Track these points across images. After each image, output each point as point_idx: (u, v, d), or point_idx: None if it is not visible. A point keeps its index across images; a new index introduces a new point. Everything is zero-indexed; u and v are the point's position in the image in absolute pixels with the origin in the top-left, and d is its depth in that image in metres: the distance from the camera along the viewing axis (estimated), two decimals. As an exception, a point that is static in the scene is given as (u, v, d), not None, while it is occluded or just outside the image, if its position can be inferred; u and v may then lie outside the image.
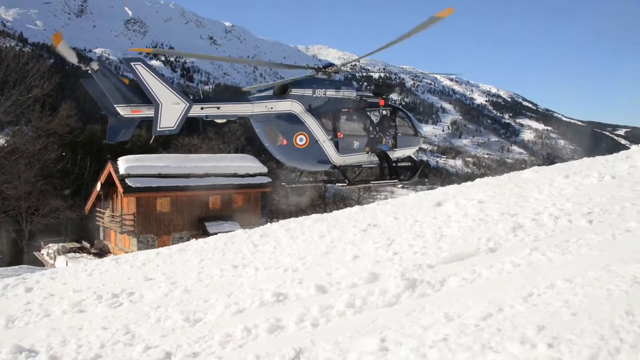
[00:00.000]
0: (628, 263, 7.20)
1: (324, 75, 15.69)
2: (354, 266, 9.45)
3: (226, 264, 11.54)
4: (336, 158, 15.33)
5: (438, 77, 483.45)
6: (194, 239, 16.91)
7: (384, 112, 16.69)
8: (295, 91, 14.75)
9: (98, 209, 54.20)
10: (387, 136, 16.33)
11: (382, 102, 16.51)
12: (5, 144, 46.27)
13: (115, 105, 12.29)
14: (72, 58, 12.47)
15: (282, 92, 14.70)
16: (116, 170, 47.88)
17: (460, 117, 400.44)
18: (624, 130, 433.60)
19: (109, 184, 50.56)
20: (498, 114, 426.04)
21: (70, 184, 57.35)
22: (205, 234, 49.51)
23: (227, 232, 48.22)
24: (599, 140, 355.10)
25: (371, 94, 16.54)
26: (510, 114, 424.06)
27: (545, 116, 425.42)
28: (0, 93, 41.54)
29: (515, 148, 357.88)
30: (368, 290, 7.78)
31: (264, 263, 10.96)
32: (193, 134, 77.18)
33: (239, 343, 6.79)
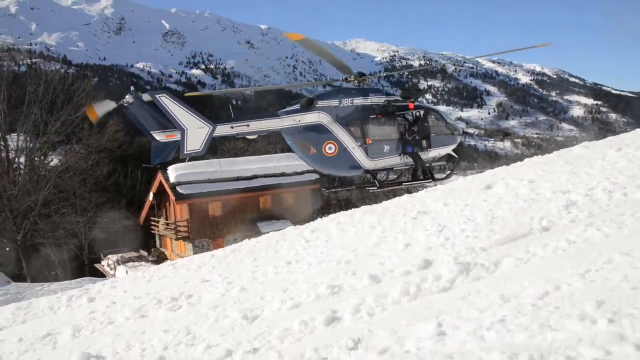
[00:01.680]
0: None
1: (355, 84, 16.02)
2: (406, 254, 9.43)
3: (279, 261, 11.67)
4: (367, 163, 15.67)
5: (480, 60, 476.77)
6: (247, 240, 17.15)
7: (415, 115, 16.89)
8: (321, 103, 15.18)
9: (152, 218, 55.30)
10: (419, 137, 16.50)
11: (411, 106, 16.74)
12: (59, 163, 47.57)
13: (151, 132, 13.10)
14: (111, 105, 13.08)
15: (308, 105, 15.13)
16: (167, 179, 48.72)
17: (506, 99, 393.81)
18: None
19: (161, 193, 51.48)
20: (544, 92, 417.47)
21: (124, 196, 58.60)
22: (258, 234, 49.95)
23: (280, 230, 48.88)
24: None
25: (400, 98, 16.76)
26: (557, 91, 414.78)
27: (593, 90, 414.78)
28: (49, 115, 42.73)
29: (564, 125, 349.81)
30: (422, 277, 7.76)
31: (317, 257, 11.03)
32: (239, 138, 77.84)
33: (297, 337, 6.86)
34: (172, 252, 52.70)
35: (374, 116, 15.96)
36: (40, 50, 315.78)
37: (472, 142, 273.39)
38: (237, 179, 50.46)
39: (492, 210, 10.93)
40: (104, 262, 52.48)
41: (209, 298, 9.89)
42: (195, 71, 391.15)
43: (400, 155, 16.29)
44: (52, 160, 47.15)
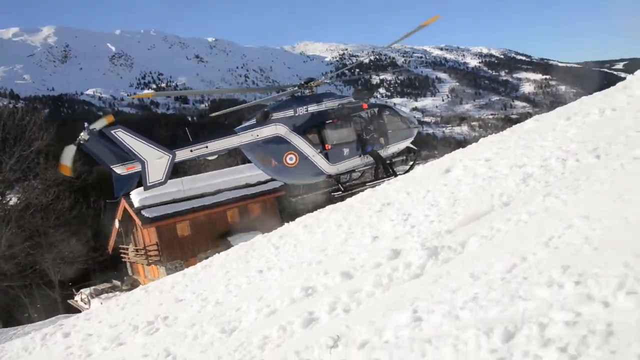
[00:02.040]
0: (641, 190, 7.21)
1: (307, 91, 16.11)
2: (375, 247, 9.52)
3: (251, 270, 11.67)
4: (329, 168, 15.96)
5: (427, 48, 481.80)
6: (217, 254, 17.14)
7: (370, 114, 17.06)
8: (276, 115, 15.61)
9: (121, 245, 54.65)
10: (377, 136, 16.67)
11: (365, 106, 16.97)
12: (18, 201, 46.64)
13: (110, 166, 13.43)
14: (72, 150, 13.54)
15: (264, 118, 15.23)
16: (131, 204, 48.28)
17: (457, 84, 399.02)
18: (622, 63, 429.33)
19: (127, 219, 50.98)
20: (494, 73, 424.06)
21: (89, 227, 57.76)
22: (229, 248, 49.80)
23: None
24: (599, 78, 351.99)
25: (353, 100, 16.92)
26: (506, 71, 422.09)
27: (541, 65, 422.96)
28: (2, 152, 41.86)
29: (518, 103, 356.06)
30: (392, 267, 7.85)
31: (288, 262, 11.07)
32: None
33: (276, 343, 6.88)
34: (145, 278, 52.16)
35: (330, 121, 16.14)
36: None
37: (431, 131, 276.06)
38: (202, 195, 50.34)
39: (453, 193, 11.09)
40: (77, 297, 51.72)
41: (185, 317, 9.84)
42: (148, 91, 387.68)
43: (360, 156, 16.50)
44: (10, 200, 46.17)
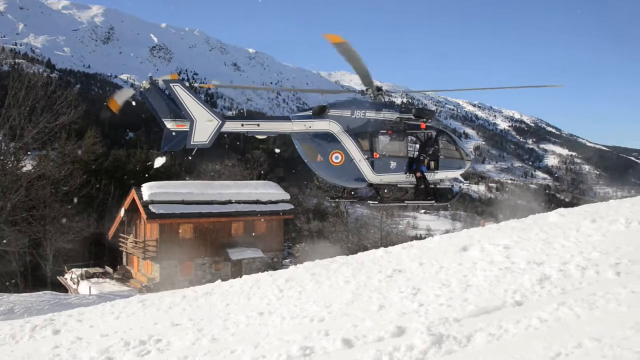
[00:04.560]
0: (657, 322, 7.11)
1: (368, 97, 16.22)
2: (380, 317, 9.43)
3: (252, 310, 11.57)
4: (372, 177, 15.89)
5: (461, 102, 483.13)
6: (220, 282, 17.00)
7: (426, 135, 17.10)
8: (333, 112, 15.50)
9: (121, 234, 54.68)
10: (428, 158, 16.66)
11: (423, 125, 16.97)
12: (32, 170, 46.86)
13: (162, 119, 13.78)
14: (130, 92, 14.44)
15: (321, 112, 15.44)
16: (140, 197, 48.38)
17: (484, 143, 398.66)
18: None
19: (133, 210, 51.02)
20: (521, 140, 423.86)
21: (95, 210, 57.89)
22: (227, 260, 49.81)
23: (249, 258, 48.54)
24: (625, 165, 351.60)
25: (413, 117, 16.94)
26: (534, 139, 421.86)
27: (569, 141, 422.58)
28: (28, 120, 42.12)
29: (539, 173, 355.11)
30: (394, 346, 7.76)
31: (290, 311, 10.97)
32: (216, 161, 77.90)
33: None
34: (138, 272, 52.13)
35: (385, 131, 16.16)
36: (25, 52, 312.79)
37: (448, 184, 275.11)
38: (211, 202, 50.37)
39: (466, 276, 10.99)
40: (67, 276, 51.63)
41: (178, 345, 9.73)
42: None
43: (406, 173, 16.47)
44: (24, 166, 46.28)
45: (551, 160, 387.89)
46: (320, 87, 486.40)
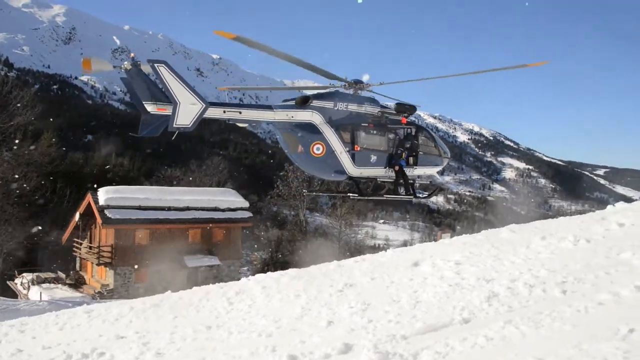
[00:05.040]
0: (600, 341, 7.19)
1: (350, 90, 16.20)
2: (328, 333, 9.36)
3: (200, 323, 11.39)
4: (352, 169, 15.92)
5: (422, 114, 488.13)
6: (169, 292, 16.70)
7: (406, 130, 17.18)
8: (316, 103, 15.60)
9: (76, 239, 53.61)
10: (407, 153, 16.73)
11: (404, 120, 17.08)
12: (-16, 171, 45.68)
13: (142, 102, 13.51)
14: (108, 66, 14.01)
15: (303, 102, 15.51)
16: (96, 201, 47.58)
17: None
18: (603, 170, 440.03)
19: (88, 215, 50.14)
20: (480, 152, 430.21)
21: (48, 213, 56.72)
22: (184, 267, 49.23)
23: (206, 266, 48.06)
24: (579, 180, 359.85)
25: (394, 112, 17.00)
26: (492, 152, 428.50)
27: (526, 155, 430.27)
28: (-19, 118, 41.11)
29: (496, 186, 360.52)
30: (340, 363, 7.72)
31: (238, 325, 10.82)
32: (175, 166, 77.18)
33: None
34: (91, 278, 51.17)
35: (366, 125, 16.17)
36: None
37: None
38: (169, 208, 49.83)
39: (416, 292, 11.01)
40: (17, 280, 50.42)
41: (122, 359, 9.53)
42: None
43: (385, 167, 16.49)
44: (-24, 167, 45.16)
45: (509, 174, 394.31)
46: (283, 95, 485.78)
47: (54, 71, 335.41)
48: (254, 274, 57.04)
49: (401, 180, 16.84)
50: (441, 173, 19.49)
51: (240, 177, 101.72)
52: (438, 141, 18.56)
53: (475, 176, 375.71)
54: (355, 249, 61.75)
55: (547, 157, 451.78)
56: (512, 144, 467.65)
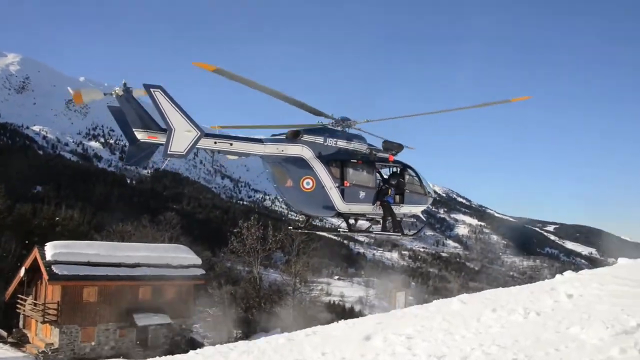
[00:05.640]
0: None
1: (338, 127, 16.20)
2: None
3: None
4: (341, 205, 15.86)
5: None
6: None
7: (393, 168, 17.26)
8: (306, 137, 15.59)
9: (20, 295, 51.80)
10: (394, 191, 16.75)
11: (391, 158, 17.23)
12: None
13: (133, 129, 13.30)
14: (99, 95, 13.75)
15: (294, 136, 15.45)
16: (43, 256, 46.33)
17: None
18: (553, 226, 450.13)
19: (34, 270, 48.71)
20: (433, 209, 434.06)
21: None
22: (133, 326, 47.87)
23: (157, 324, 46.97)
24: (530, 236, 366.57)
25: (381, 149, 17.06)
26: (445, 209, 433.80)
27: (478, 212, 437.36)
28: None
29: (450, 242, 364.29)
30: None
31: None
32: (127, 220, 75.94)
33: None
34: (35, 336, 49.34)
35: (355, 161, 16.14)
36: None
37: (362, 250, 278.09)
38: (119, 265, 48.86)
39: (368, 370, 10.88)
40: (-44, 340, 48.27)
41: None
42: (93, 143, 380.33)
43: (373, 204, 16.37)
44: None
45: (461, 230, 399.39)
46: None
47: (4, 120, 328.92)
48: (206, 332, 55.73)
49: (389, 217, 16.87)
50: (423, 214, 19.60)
51: (194, 232, 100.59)
52: (424, 180, 18.71)
53: (429, 232, 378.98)
54: (309, 307, 61.24)
55: (498, 213, 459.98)
56: (464, 201, 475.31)
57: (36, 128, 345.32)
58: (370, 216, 17.30)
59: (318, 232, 20.30)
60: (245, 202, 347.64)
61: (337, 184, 15.77)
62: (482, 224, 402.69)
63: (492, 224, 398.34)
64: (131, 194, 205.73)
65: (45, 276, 45.82)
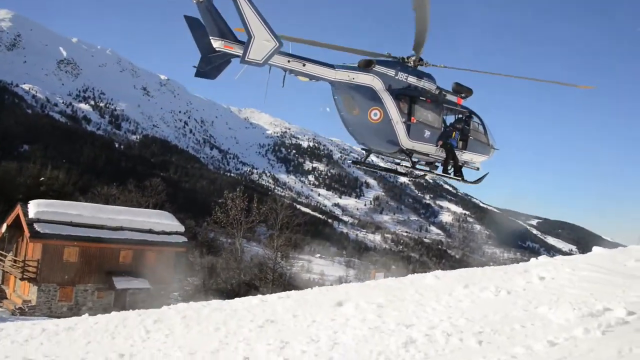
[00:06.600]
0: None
1: (409, 63, 16.08)
2: (242, 370, 9.27)
3: (113, 351, 11.08)
4: (405, 141, 15.74)
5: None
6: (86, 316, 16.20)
7: (461, 112, 17.11)
8: (378, 68, 15.39)
9: (0, 251, 51.70)
10: (459, 136, 16.64)
11: (459, 101, 17.01)
12: None
13: (210, 37, 13.25)
14: None
15: (366, 66, 15.24)
16: (25, 214, 46.12)
17: (383, 194, 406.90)
18: (536, 220, 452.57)
19: (16, 227, 48.55)
20: (419, 194, 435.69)
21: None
22: (112, 288, 47.93)
23: (135, 288, 46.96)
24: (513, 228, 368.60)
25: (451, 91, 16.97)
26: (431, 195, 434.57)
27: (464, 200, 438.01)
28: None
29: (433, 228, 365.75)
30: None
31: (152, 355, 10.58)
32: (113, 184, 75.68)
33: None
34: (13, 292, 49.32)
35: (424, 99, 16.00)
36: None
37: (345, 230, 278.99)
38: (102, 227, 48.72)
39: (336, 332, 11.02)
40: None
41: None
42: (83, 105, 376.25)
43: (437, 145, 16.29)
44: None
45: (446, 217, 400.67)
46: (229, 122, 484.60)
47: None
48: (184, 300, 56.04)
49: (451, 160, 16.78)
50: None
51: (179, 200, 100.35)
52: (489, 131, 18.46)
53: (414, 217, 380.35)
54: (289, 283, 61.51)
55: (483, 203, 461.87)
56: (450, 189, 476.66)
57: (26, 86, 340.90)
58: (431, 158, 17.12)
59: (377, 170, 20.07)
60: (232, 174, 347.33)
61: (404, 119, 15.56)
62: (467, 212, 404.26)
63: (476, 214, 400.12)
64: (118, 158, 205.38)
65: (27, 233, 45.67)
